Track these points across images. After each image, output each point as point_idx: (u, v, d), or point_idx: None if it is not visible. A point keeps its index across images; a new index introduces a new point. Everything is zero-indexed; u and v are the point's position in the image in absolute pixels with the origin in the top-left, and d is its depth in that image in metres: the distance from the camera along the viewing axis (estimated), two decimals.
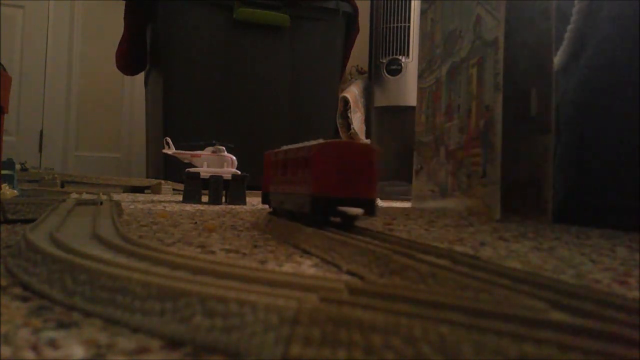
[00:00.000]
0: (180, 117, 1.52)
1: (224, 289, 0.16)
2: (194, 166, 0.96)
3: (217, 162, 0.97)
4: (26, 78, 2.18)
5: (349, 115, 1.78)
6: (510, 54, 0.66)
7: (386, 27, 1.76)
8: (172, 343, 0.15)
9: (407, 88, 1.69)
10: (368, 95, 1.86)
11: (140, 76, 1.99)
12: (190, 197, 0.92)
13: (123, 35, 1.76)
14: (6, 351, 0.13)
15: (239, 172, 0.96)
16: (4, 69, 0.78)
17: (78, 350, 0.14)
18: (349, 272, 0.27)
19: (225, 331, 0.14)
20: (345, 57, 1.79)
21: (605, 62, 0.64)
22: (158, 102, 1.60)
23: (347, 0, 1.69)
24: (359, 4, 1.74)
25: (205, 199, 0.93)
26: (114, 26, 1.90)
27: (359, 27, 1.78)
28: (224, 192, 0.94)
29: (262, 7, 1.57)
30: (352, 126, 1.78)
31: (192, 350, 0.14)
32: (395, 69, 1.74)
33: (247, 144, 1.42)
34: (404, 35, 1.74)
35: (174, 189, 1.32)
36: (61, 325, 0.16)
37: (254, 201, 1.04)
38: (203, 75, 1.55)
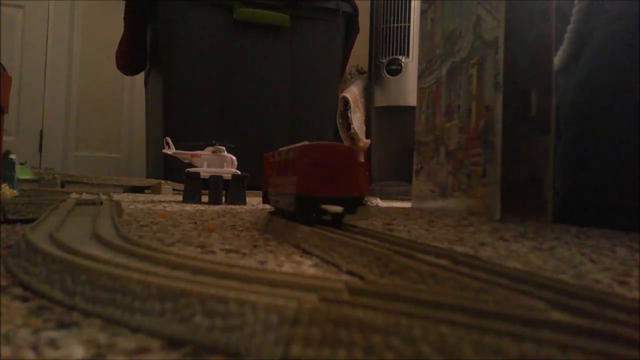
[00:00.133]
0: (180, 117, 1.52)
1: (224, 289, 0.16)
2: (194, 166, 0.96)
3: (217, 162, 0.97)
4: (26, 78, 2.19)
5: (349, 115, 1.78)
6: (510, 54, 0.66)
7: (386, 27, 1.76)
8: (172, 343, 0.15)
9: (407, 88, 1.69)
10: (368, 95, 1.86)
11: (140, 76, 1.99)
12: (190, 197, 0.92)
13: (123, 35, 1.76)
14: (6, 351, 0.13)
15: (239, 172, 0.96)
16: (4, 69, 0.78)
17: (78, 350, 0.14)
18: (349, 272, 0.27)
19: (225, 331, 0.14)
20: (345, 57, 1.79)
21: (605, 62, 0.64)
22: (158, 102, 1.60)
23: (347, 0, 1.69)
24: (359, 4, 1.74)
25: (205, 199, 0.93)
26: (114, 26, 1.90)
27: (359, 27, 1.78)
28: (224, 192, 0.94)
29: (262, 7, 1.57)
30: (352, 126, 1.78)
31: (192, 350, 0.14)
32: (395, 69, 1.74)
33: (247, 144, 1.42)
34: (404, 35, 1.74)
35: (174, 189, 1.32)
36: (61, 325, 0.16)
37: (254, 201, 1.04)
38: (203, 76, 1.55)
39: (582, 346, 0.12)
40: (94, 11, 2.29)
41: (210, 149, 0.98)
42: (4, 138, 0.76)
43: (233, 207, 0.85)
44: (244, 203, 0.93)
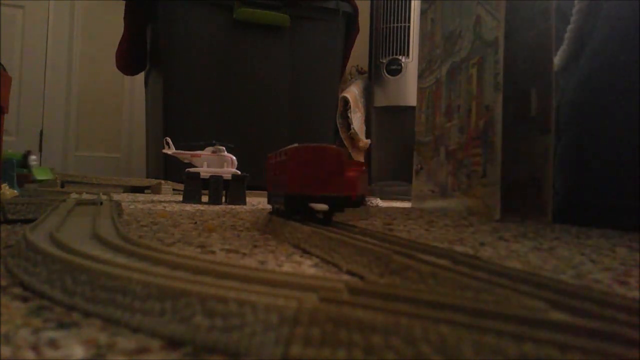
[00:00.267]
0: (180, 117, 1.52)
1: (224, 289, 0.16)
2: (194, 166, 0.96)
3: (217, 162, 0.97)
4: (26, 78, 2.19)
5: (349, 115, 1.78)
6: (510, 54, 0.66)
7: (386, 27, 1.76)
8: (172, 343, 0.15)
9: (407, 88, 1.69)
10: (368, 95, 1.86)
11: (140, 76, 2.00)
12: (190, 197, 0.92)
13: (123, 35, 1.77)
14: (6, 351, 0.13)
15: (239, 172, 0.96)
16: (4, 69, 0.78)
17: (78, 350, 0.14)
18: (349, 272, 0.27)
19: (225, 331, 0.14)
20: (345, 57, 1.79)
21: (605, 62, 0.64)
22: (158, 102, 1.60)
23: (347, 0, 1.69)
24: (359, 4, 1.74)
25: (205, 199, 0.93)
26: (114, 26, 1.90)
27: (359, 27, 1.78)
28: (224, 192, 0.94)
29: (262, 7, 1.57)
30: (352, 126, 1.78)
31: (192, 350, 0.14)
32: (395, 69, 1.74)
33: (247, 144, 1.42)
34: (404, 35, 1.74)
35: (174, 189, 1.32)
36: (61, 325, 0.16)
37: (254, 201, 1.04)
38: (203, 75, 1.55)
39: (582, 346, 0.12)
40: (94, 11, 2.29)
41: (210, 149, 0.98)
42: (4, 138, 0.76)
43: (233, 207, 0.85)
44: (244, 203, 0.93)
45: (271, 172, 0.50)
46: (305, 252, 0.33)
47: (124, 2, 1.68)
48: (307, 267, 0.29)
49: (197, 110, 1.54)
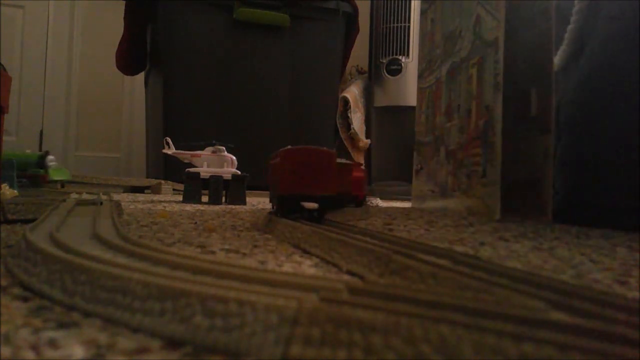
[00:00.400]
0: (180, 117, 1.52)
1: (224, 289, 0.16)
2: (194, 166, 0.96)
3: (217, 162, 0.97)
4: (26, 78, 2.19)
5: (349, 115, 1.78)
6: (510, 54, 0.66)
7: (386, 27, 1.76)
8: (172, 343, 0.15)
9: (407, 88, 1.69)
10: (368, 95, 1.86)
11: (140, 76, 2.00)
12: (190, 197, 0.92)
13: (123, 35, 1.77)
14: (6, 351, 0.13)
15: (239, 172, 0.96)
16: (4, 69, 0.78)
17: (78, 350, 0.14)
18: (349, 272, 0.27)
19: (225, 331, 0.14)
20: (345, 57, 1.79)
21: (605, 62, 0.64)
22: (158, 102, 1.60)
23: (347, 0, 1.69)
24: (359, 4, 1.74)
25: (205, 199, 0.93)
26: (114, 26, 1.90)
27: (359, 27, 1.78)
28: (224, 192, 0.94)
29: (262, 7, 1.57)
30: (352, 126, 1.78)
31: (192, 350, 0.14)
32: (395, 69, 1.74)
33: (247, 144, 1.42)
34: (404, 35, 1.74)
35: (174, 189, 1.32)
36: (61, 325, 0.16)
37: (254, 201, 1.04)
38: (203, 76, 1.55)
39: (582, 346, 0.12)
40: (94, 11, 2.29)
41: (210, 149, 0.98)
42: (4, 138, 0.76)
43: (233, 207, 0.85)
44: (244, 203, 0.93)
45: (269, 172, 0.50)
46: (305, 252, 0.33)
47: (124, 2, 1.68)
48: (307, 267, 0.29)
49: (197, 110, 1.54)
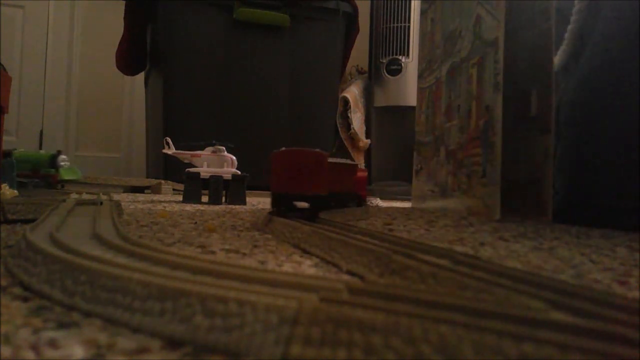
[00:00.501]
0: (180, 117, 1.52)
1: (224, 289, 0.16)
2: (194, 166, 0.96)
3: (217, 162, 0.97)
4: (26, 78, 2.19)
5: (349, 115, 1.78)
6: (510, 54, 0.66)
7: (386, 27, 1.76)
8: (172, 343, 0.15)
9: (407, 88, 1.69)
10: (368, 95, 1.86)
11: (140, 76, 1.99)
12: (190, 197, 0.92)
13: (123, 35, 1.76)
14: (6, 351, 0.13)
15: (239, 172, 0.96)
16: (4, 69, 0.78)
17: (78, 350, 0.14)
18: (349, 272, 0.27)
19: (225, 331, 0.14)
20: (345, 57, 1.79)
21: (605, 62, 0.64)
22: (158, 102, 1.60)
23: (347, 0, 1.69)
24: (359, 4, 1.74)
25: (205, 199, 0.93)
26: (114, 26, 1.90)
27: (359, 27, 1.78)
28: (224, 192, 0.94)
29: (262, 7, 1.57)
30: (352, 126, 1.78)
31: (192, 350, 0.14)
32: (395, 69, 1.74)
33: (247, 144, 1.42)
34: (404, 35, 1.74)
35: (174, 189, 1.31)
36: (61, 325, 0.16)
37: (254, 201, 1.04)
38: (203, 75, 1.55)
39: (582, 346, 0.12)
40: (94, 11, 2.29)
41: (210, 149, 0.98)
42: (4, 138, 0.76)
43: (233, 207, 0.85)
44: (244, 203, 0.93)
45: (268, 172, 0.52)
46: (305, 252, 0.33)
47: (124, 2, 1.68)
48: (307, 267, 0.29)
49: (197, 110, 1.54)
